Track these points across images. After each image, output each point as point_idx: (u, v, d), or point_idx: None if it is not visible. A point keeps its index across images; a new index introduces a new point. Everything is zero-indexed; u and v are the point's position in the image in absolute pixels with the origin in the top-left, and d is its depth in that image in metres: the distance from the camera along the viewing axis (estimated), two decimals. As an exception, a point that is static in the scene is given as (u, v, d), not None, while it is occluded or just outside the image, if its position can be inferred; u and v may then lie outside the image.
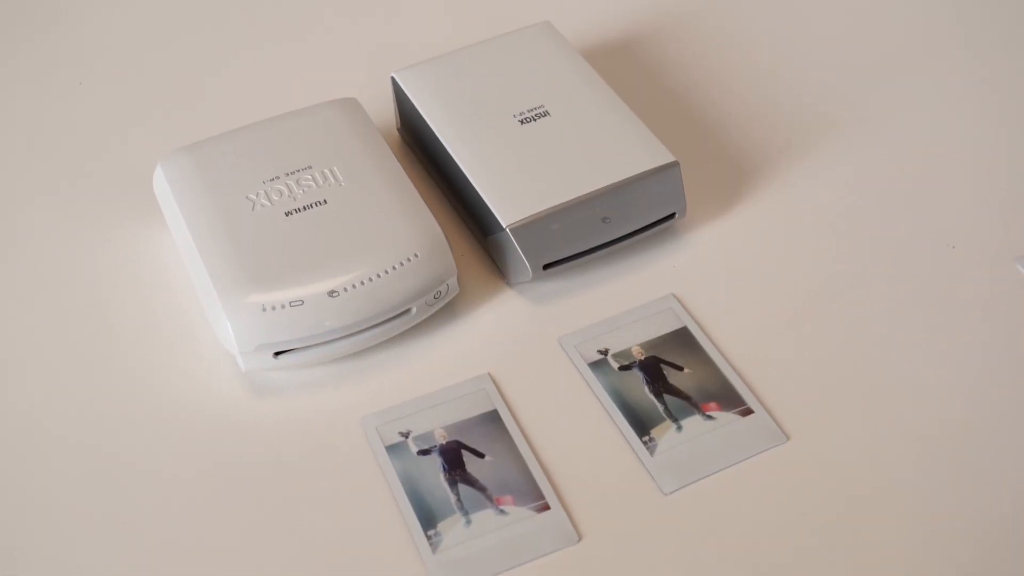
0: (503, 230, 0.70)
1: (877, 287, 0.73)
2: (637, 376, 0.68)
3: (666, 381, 0.68)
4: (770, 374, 0.69)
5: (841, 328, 0.71)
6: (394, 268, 0.67)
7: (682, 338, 0.70)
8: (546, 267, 0.72)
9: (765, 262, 0.75)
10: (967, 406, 0.67)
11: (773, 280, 0.74)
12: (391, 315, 0.68)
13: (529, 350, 0.70)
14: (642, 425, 0.66)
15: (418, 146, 0.80)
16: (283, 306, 0.65)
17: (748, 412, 0.67)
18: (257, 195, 0.70)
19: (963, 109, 0.85)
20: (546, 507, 0.62)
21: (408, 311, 0.69)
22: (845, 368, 0.69)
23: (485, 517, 0.62)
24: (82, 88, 0.88)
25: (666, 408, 0.67)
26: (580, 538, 0.61)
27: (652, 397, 0.67)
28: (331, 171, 0.71)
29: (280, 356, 0.67)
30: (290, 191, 0.70)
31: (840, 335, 0.71)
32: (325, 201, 0.70)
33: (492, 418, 0.66)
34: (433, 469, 0.64)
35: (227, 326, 0.66)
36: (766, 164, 0.81)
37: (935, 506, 0.62)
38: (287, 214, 0.69)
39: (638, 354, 0.69)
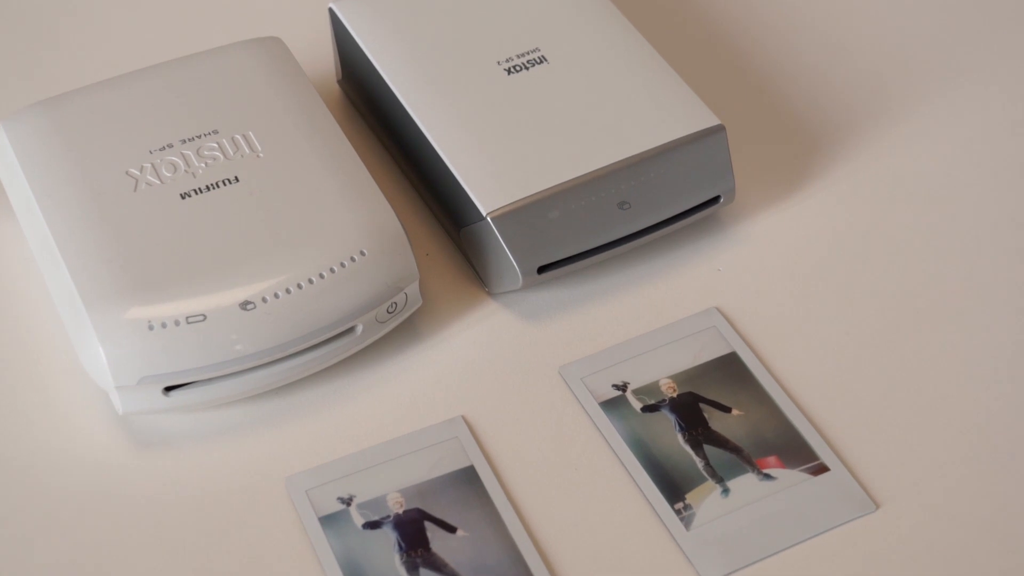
0: (483, 219, 0.69)
1: (996, 300, 0.73)
2: (667, 420, 0.68)
3: (707, 427, 0.67)
4: (852, 417, 0.68)
5: (948, 355, 0.71)
6: (332, 271, 0.67)
7: (729, 367, 0.70)
8: (542, 270, 0.71)
9: (842, 265, 0.75)
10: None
11: (853, 289, 0.73)
12: (328, 336, 0.67)
13: (518, 384, 0.70)
14: (674, 487, 0.65)
15: (367, 104, 0.79)
16: (177, 323, 0.65)
17: (822, 469, 0.66)
18: (142, 170, 0.70)
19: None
20: (542, 603, 0.62)
21: (352, 330, 0.68)
22: (956, 411, 0.68)
23: (457, 618, 0.62)
24: None
25: (707, 464, 0.66)
26: (590, 647, 0.62)
27: (688, 448, 0.67)
28: (245, 137, 0.71)
29: (173, 393, 0.66)
30: (188, 165, 0.70)
31: (947, 365, 0.70)
32: (237, 179, 0.69)
33: (467, 477, 0.66)
34: (385, 548, 0.63)
35: (98, 351, 0.65)
36: (841, 133, 0.81)
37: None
38: (183, 196, 0.69)
39: (669, 390, 0.69)
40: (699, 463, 0.66)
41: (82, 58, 0.84)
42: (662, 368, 0.69)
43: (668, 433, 0.67)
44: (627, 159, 0.70)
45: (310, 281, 0.66)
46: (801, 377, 0.69)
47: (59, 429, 0.67)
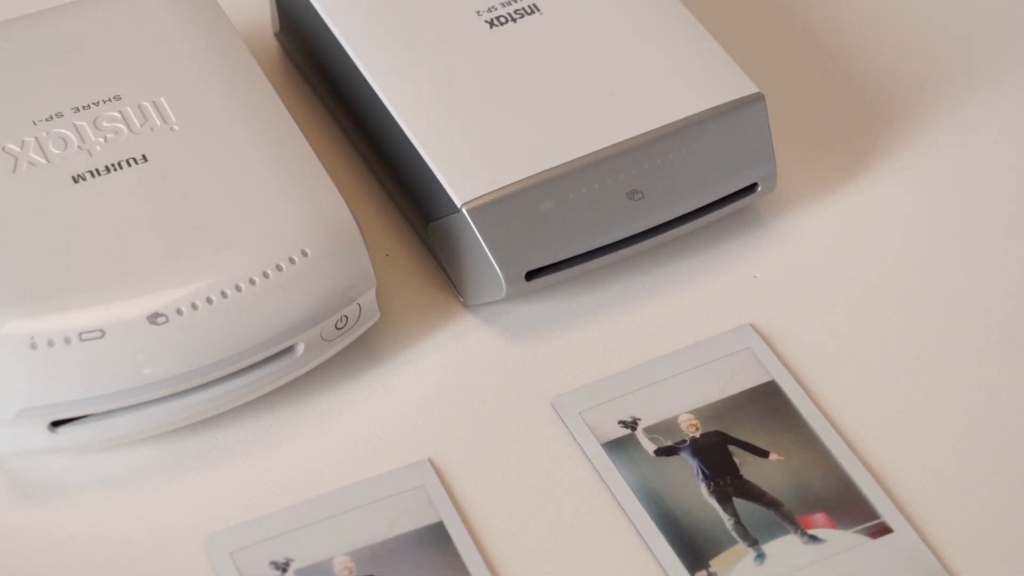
0: (457, 212, 0.68)
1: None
2: (688, 466, 0.67)
3: (738, 475, 0.67)
4: (922, 466, 0.67)
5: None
6: (266, 276, 0.65)
7: (767, 400, 0.69)
8: (530, 276, 0.70)
9: (911, 272, 0.74)
10: None
11: (925, 303, 0.73)
12: (261, 357, 0.66)
13: (500, 419, 0.69)
14: (696, 551, 0.65)
15: (311, 64, 0.79)
16: (68, 340, 0.63)
17: (883, 531, 0.65)
18: (23, 145, 0.69)
19: None
20: None
21: (291, 350, 0.67)
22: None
23: None
24: None
25: (737, 522, 0.65)
26: None
27: (714, 502, 0.66)
28: (155, 105, 0.70)
29: (62, 429, 0.65)
30: (82, 140, 0.69)
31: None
32: (144, 158, 0.68)
33: (435, 537, 0.65)
34: (330, 629, 0.62)
35: (-34, 375, 0.62)
36: (911, 106, 0.81)
37: None
38: (76, 180, 0.67)
39: (690, 428, 0.68)
40: (727, 521, 0.65)
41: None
42: (682, 401, 0.69)
43: (688, 483, 0.66)
44: (639, 136, 0.69)
45: (237, 288, 0.64)
46: (857, 413, 0.68)
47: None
